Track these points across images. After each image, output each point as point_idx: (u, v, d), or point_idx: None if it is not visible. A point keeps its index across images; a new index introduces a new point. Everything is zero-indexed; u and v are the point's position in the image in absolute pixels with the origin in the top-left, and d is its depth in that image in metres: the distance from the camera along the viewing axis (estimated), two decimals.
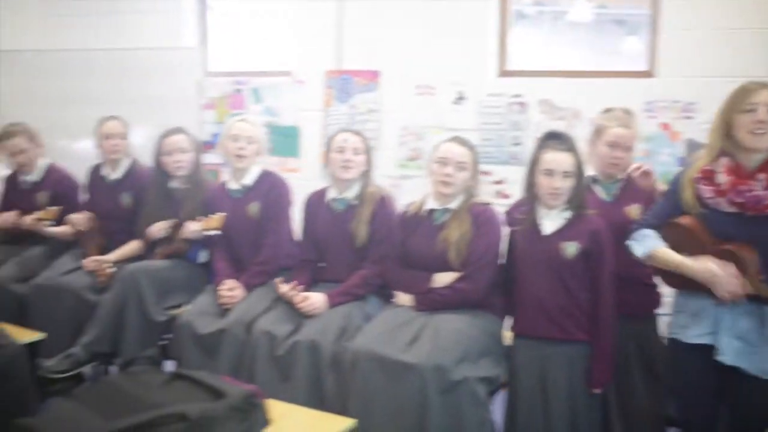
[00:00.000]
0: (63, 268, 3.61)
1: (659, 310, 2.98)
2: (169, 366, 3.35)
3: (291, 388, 2.78)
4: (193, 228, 3.45)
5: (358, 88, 4.58)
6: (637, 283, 2.85)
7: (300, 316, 2.98)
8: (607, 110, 3.00)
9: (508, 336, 2.85)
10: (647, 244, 2.54)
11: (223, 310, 3.14)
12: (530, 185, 2.76)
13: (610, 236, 2.70)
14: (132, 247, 3.70)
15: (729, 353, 2.36)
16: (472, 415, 2.56)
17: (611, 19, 6.65)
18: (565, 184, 2.68)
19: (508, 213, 2.95)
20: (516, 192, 2.90)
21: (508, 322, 2.85)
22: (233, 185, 3.43)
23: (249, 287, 3.23)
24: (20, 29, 5.74)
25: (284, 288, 3.06)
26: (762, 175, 2.31)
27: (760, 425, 2.40)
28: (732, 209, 2.36)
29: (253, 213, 3.37)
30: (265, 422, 2.10)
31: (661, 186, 2.88)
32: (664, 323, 2.92)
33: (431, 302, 2.85)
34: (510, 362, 2.75)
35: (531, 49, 5.04)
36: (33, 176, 4.01)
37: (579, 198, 2.72)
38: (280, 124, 4.83)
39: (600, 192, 2.94)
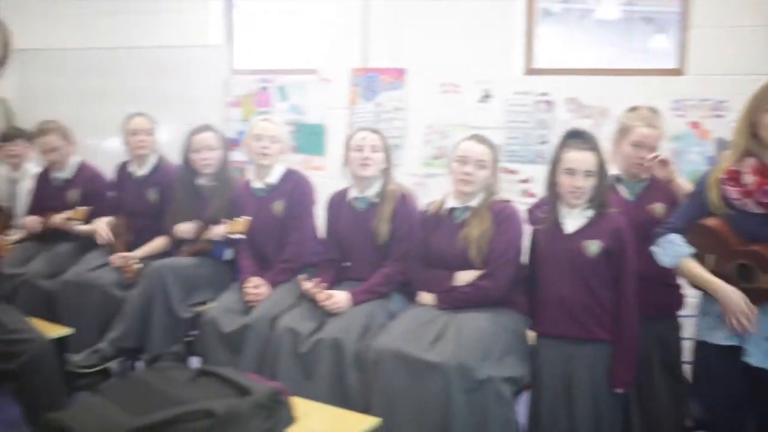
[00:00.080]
0: (91, 264, 3.65)
1: (682, 311, 2.95)
2: (194, 362, 3.37)
3: (314, 386, 2.78)
4: (218, 231, 3.47)
5: (384, 86, 4.57)
6: (660, 283, 2.82)
7: (323, 314, 2.99)
8: (633, 109, 2.97)
9: (531, 335, 2.83)
10: (674, 252, 2.51)
11: (248, 308, 3.15)
12: (552, 184, 2.75)
13: (632, 235, 2.68)
14: (158, 243, 3.73)
15: (757, 355, 2.34)
16: (496, 415, 2.55)
17: (639, 17, 6.59)
18: (587, 183, 2.66)
19: (530, 211, 2.94)
20: (542, 191, 2.88)
21: (531, 321, 2.84)
22: (257, 184, 3.45)
23: (274, 285, 3.25)
24: (50, 28, 5.82)
25: (307, 285, 3.08)
26: None
27: None
28: (759, 210, 2.33)
29: (278, 211, 3.39)
30: (290, 420, 2.10)
31: (683, 181, 2.85)
32: (687, 324, 2.90)
33: (453, 300, 2.84)
34: (533, 362, 2.74)
35: (557, 48, 5.00)
36: (64, 173, 4.06)
37: (601, 197, 2.70)
38: (306, 122, 4.85)
39: (623, 191, 2.91)
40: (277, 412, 2.06)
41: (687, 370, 2.91)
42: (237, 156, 4.17)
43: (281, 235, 3.37)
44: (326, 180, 3.60)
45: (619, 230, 2.67)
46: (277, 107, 4.94)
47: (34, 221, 4.01)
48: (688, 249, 2.50)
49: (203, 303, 3.41)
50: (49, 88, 5.83)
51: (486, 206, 2.91)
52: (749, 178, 2.33)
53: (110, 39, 5.45)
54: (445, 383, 2.51)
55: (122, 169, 3.98)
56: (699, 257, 2.49)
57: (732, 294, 2.36)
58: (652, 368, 2.82)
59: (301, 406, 2.21)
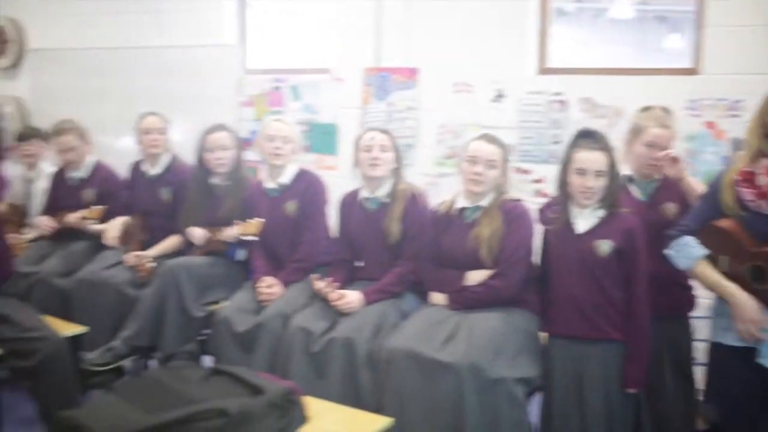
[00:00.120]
0: (105, 262, 3.67)
1: (693, 312, 2.94)
2: (207, 361, 3.38)
3: (326, 385, 2.79)
4: (230, 233, 3.48)
5: (397, 85, 4.57)
6: (672, 284, 2.82)
7: (336, 314, 2.99)
8: (645, 109, 2.95)
9: (543, 335, 2.83)
10: (688, 254, 2.50)
11: (261, 307, 3.16)
12: (563, 184, 2.74)
13: (644, 235, 2.67)
14: (172, 242, 3.75)
15: None
16: (508, 415, 2.54)
17: (653, 16, 6.56)
18: (598, 184, 2.66)
19: (542, 211, 2.94)
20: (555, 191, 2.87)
21: (543, 321, 2.83)
22: (270, 184, 3.45)
23: (287, 284, 3.26)
24: (64, 28, 5.85)
25: (320, 284, 3.08)
26: None
27: None
28: None
29: (291, 211, 3.39)
30: (303, 419, 2.11)
31: (693, 180, 2.83)
32: (700, 326, 2.88)
33: (465, 300, 2.84)
34: (545, 362, 2.73)
35: (571, 47, 4.98)
36: (80, 173, 4.08)
37: (612, 197, 2.69)
38: (319, 122, 4.85)
39: (635, 191, 2.90)
40: (290, 412, 2.06)
41: (698, 371, 2.91)
42: (250, 155, 4.17)
43: (294, 235, 3.38)
44: (338, 179, 3.60)
45: (630, 230, 2.66)
46: (290, 107, 4.94)
47: (47, 222, 4.03)
48: (702, 251, 2.48)
49: (216, 302, 3.42)
50: (63, 87, 5.87)
51: (496, 206, 2.91)
52: (764, 180, 2.32)
53: (124, 39, 5.48)
54: (457, 383, 2.51)
55: (136, 168, 4.00)
56: (712, 259, 2.48)
57: (745, 302, 2.35)
58: (663, 368, 2.81)
59: (313, 405, 2.21)
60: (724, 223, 2.43)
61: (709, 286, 2.49)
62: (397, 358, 2.62)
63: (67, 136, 4.00)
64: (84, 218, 3.86)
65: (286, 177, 3.44)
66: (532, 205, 3.03)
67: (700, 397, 2.87)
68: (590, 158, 2.66)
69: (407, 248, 3.12)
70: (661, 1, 5.56)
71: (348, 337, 2.84)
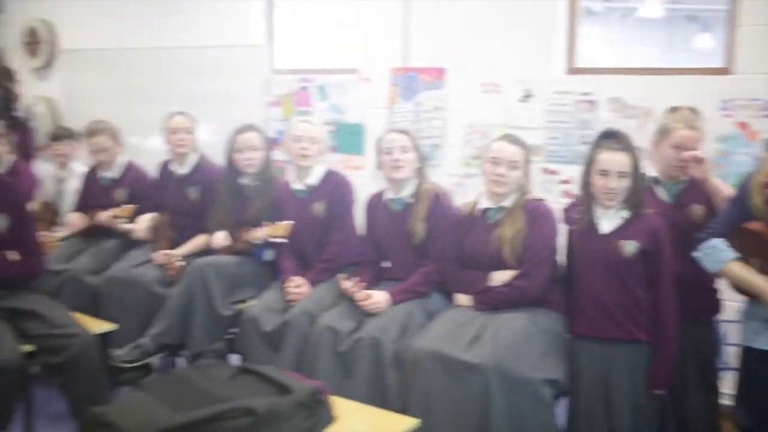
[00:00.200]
0: (134, 261, 3.71)
1: (719, 317, 2.90)
2: (234, 360, 3.40)
3: (353, 385, 2.79)
4: (259, 234, 3.49)
5: (424, 85, 4.56)
6: (698, 287, 2.78)
7: (363, 314, 3.00)
8: (673, 109, 2.91)
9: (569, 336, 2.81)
10: (717, 257, 2.47)
11: (289, 307, 3.17)
12: (586, 184, 2.72)
13: (669, 236, 2.65)
14: (200, 241, 3.77)
15: None
16: (535, 417, 2.53)
17: (683, 15, 6.49)
18: (621, 185, 2.64)
19: (566, 211, 2.92)
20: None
21: (568, 322, 2.81)
22: (298, 185, 3.47)
23: (314, 284, 3.27)
24: (95, 29, 5.93)
25: (346, 284, 3.08)
26: None
27: None
28: None
29: (318, 212, 3.40)
30: (330, 419, 2.11)
31: (718, 181, 2.79)
32: (730, 330, 2.84)
33: (490, 301, 2.83)
34: (571, 363, 2.72)
35: (599, 47, 4.94)
36: (112, 173, 4.12)
37: (636, 197, 2.68)
38: (346, 122, 4.85)
39: (661, 193, 2.87)
40: (318, 412, 2.06)
41: (728, 376, 2.87)
42: (277, 155, 4.19)
43: (322, 236, 3.39)
44: (365, 180, 3.60)
45: (655, 231, 2.65)
46: (317, 107, 4.95)
47: (78, 219, 4.08)
48: (732, 254, 2.45)
49: (244, 301, 3.44)
50: (93, 87, 5.94)
51: (519, 206, 2.91)
52: None
53: (153, 39, 5.53)
54: (483, 384, 2.50)
55: (164, 167, 4.04)
56: (743, 262, 2.44)
57: None
58: (687, 372, 2.78)
59: (340, 405, 2.21)
60: (755, 226, 2.39)
61: (742, 285, 2.44)
62: (423, 359, 2.62)
63: (100, 137, 4.05)
64: (115, 217, 3.90)
65: (314, 178, 3.45)
66: (558, 205, 3.01)
67: (728, 402, 2.83)
68: (613, 159, 2.64)
69: (432, 248, 3.12)
70: (692, 0, 5.49)
71: (375, 337, 2.84)
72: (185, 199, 3.89)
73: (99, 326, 3.09)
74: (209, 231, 3.70)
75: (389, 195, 3.27)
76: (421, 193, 3.19)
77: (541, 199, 2.98)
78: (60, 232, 4.22)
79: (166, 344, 3.39)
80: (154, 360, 3.43)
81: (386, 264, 3.31)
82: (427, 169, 3.33)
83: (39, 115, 6.16)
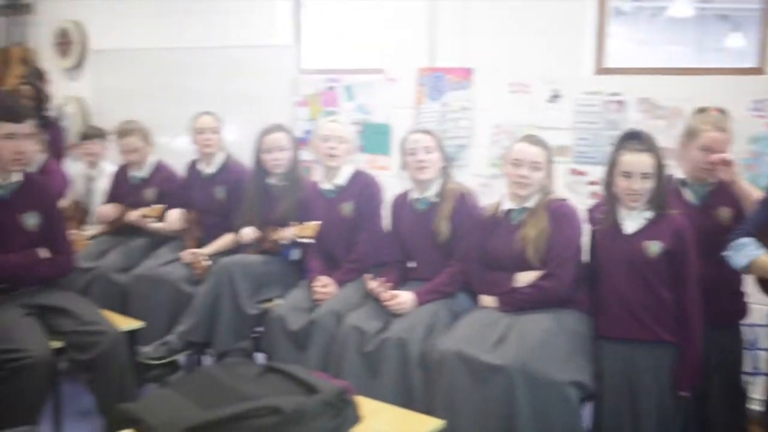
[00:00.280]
0: (162, 259, 3.74)
1: (744, 320, 2.85)
2: (260, 359, 3.42)
3: (379, 385, 2.79)
4: (287, 234, 3.50)
5: (451, 85, 4.54)
6: (724, 291, 2.75)
7: (389, 314, 3.00)
8: (701, 111, 2.88)
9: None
10: (746, 253, 2.43)
11: (315, 306, 3.18)
12: (609, 185, 2.70)
13: (694, 236, 2.62)
14: (226, 240, 3.79)
15: None
16: (561, 419, 2.51)
17: (714, 15, 6.40)
18: (644, 186, 2.62)
19: (590, 211, 2.90)
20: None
21: (594, 323, 2.79)
22: (326, 185, 3.47)
23: (341, 284, 3.27)
24: (124, 29, 5.99)
25: (372, 284, 3.08)
26: None
27: None
28: None
29: (347, 212, 3.41)
30: (356, 419, 2.10)
31: (747, 184, 2.74)
32: (755, 334, 2.80)
33: (515, 302, 2.82)
34: (596, 364, 2.69)
35: (628, 47, 4.88)
36: (142, 172, 4.16)
37: (660, 198, 2.65)
38: (372, 122, 4.85)
39: (689, 195, 2.84)
40: (344, 411, 2.06)
41: (755, 381, 2.82)
42: (304, 155, 4.20)
43: (350, 236, 3.40)
44: (391, 180, 3.59)
45: (680, 231, 2.62)
46: (344, 107, 4.95)
47: (110, 209, 4.12)
48: (761, 250, 2.41)
49: (270, 300, 3.45)
50: (122, 87, 6.00)
51: (542, 206, 2.89)
52: None
53: (181, 39, 5.57)
54: (508, 386, 2.49)
55: (192, 167, 4.07)
56: None
57: None
58: (712, 376, 2.74)
59: (366, 405, 2.21)
60: None
61: None
62: (448, 361, 2.61)
63: (131, 137, 4.08)
64: (144, 216, 3.94)
65: (342, 178, 3.45)
66: (586, 207, 2.99)
67: (759, 408, 2.79)
68: (636, 160, 2.63)
69: (458, 248, 3.11)
70: None
71: (401, 337, 2.83)
72: (212, 198, 3.91)
73: (127, 323, 3.12)
74: (236, 230, 3.71)
75: (414, 195, 3.27)
76: (446, 193, 3.19)
77: (564, 199, 2.97)
78: (89, 231, 4.26)
79: (192, 342, 3.42)
80: (181, 358, 3.46)
81: (412, 264, 3.30)
82: (453, 168, 3.32)
83: (69, 115, 6.24)
